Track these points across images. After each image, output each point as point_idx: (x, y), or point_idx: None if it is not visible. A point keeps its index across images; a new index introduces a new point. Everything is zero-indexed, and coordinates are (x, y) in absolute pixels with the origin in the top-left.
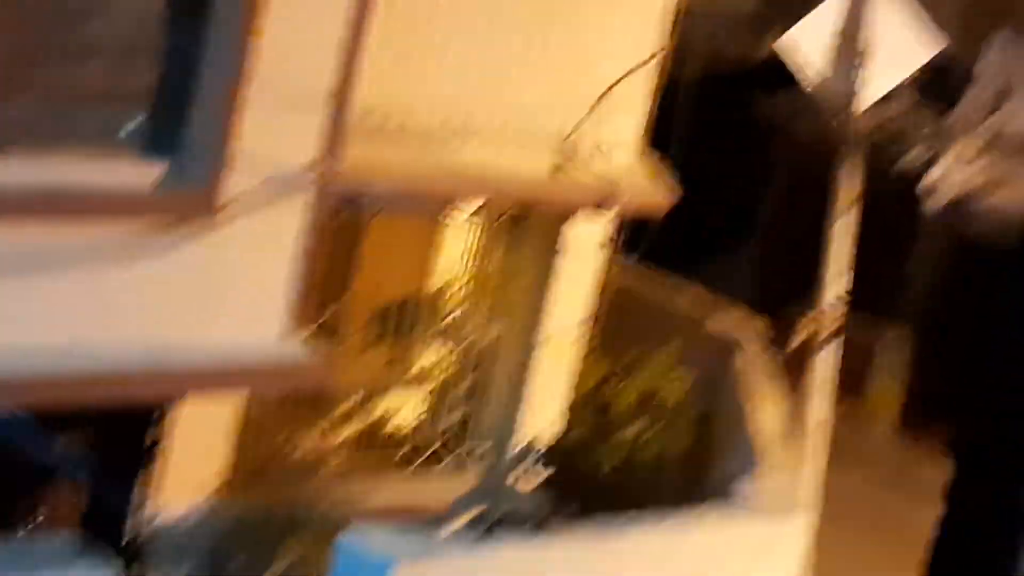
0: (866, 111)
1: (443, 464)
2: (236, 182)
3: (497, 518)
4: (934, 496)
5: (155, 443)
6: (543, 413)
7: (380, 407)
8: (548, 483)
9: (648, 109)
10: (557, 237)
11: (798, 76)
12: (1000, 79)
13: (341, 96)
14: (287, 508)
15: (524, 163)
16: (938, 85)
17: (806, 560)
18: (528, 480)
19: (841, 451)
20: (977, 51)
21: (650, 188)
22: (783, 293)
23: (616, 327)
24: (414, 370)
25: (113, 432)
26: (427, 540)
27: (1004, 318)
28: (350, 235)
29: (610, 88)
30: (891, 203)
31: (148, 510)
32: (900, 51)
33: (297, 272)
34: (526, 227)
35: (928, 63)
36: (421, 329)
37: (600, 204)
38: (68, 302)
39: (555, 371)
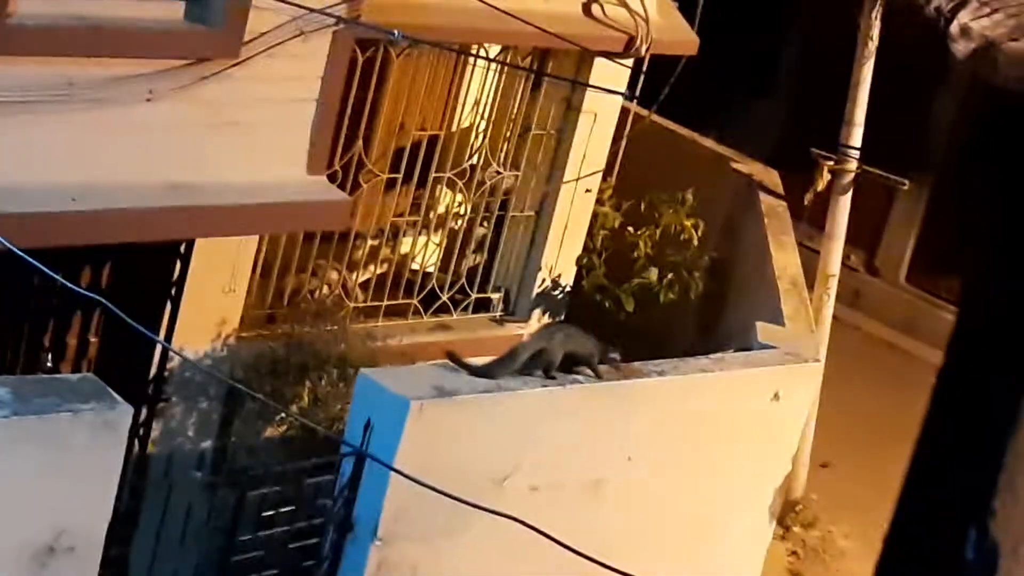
0: None
1: (462, 307)
2: (258, 21)
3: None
4: (941, 345)
5: (176, 281)
6: (562, 257)
7: (401, 249)
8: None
9: None
10: (578, 83)
11: None
12: None
13: None
14: (307, 347)
15: (548, 5)
16: None
17: (815, 405)
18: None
19: (853, 300)
20: None
21: (671, 36)
22: (801, 144)
23: (636, 171)
24: (434, 213)
25: (134, 270)
26: (447, 379)
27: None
28: (372, 76)
29: None
30: (914, 52)
31: (167, 349)
32: None
33: (319, 112)
34: (548, 72)
35: None
36: (442, 172)
37: (622, 50)
38: (89, 140)
39: (574, 214)
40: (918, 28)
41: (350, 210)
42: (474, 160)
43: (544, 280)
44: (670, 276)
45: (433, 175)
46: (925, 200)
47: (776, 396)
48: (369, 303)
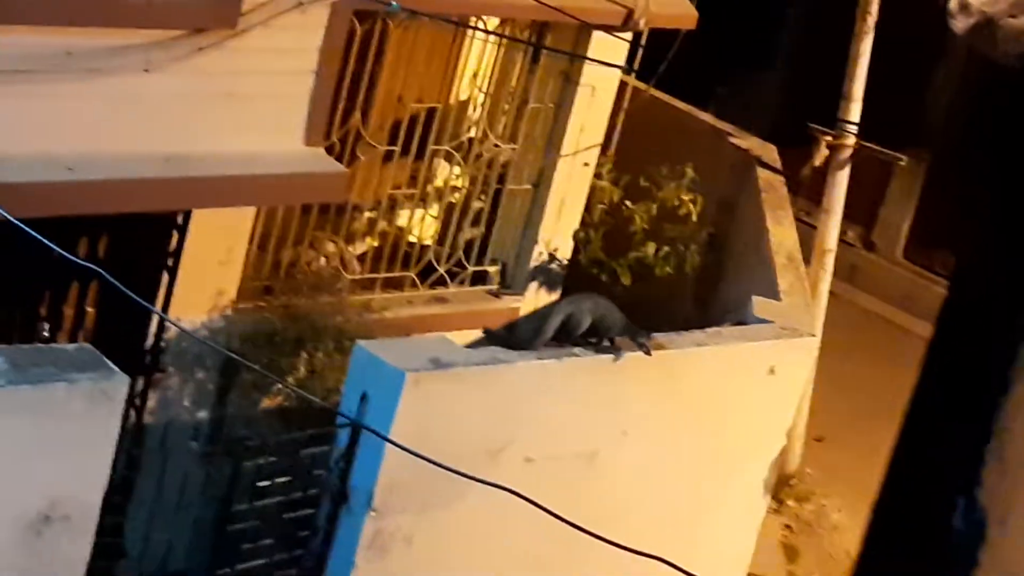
0: None
1: (458, 280)
2: None
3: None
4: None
5: (173, 252)
6: (559, 231)
7: (398, 221)
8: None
9: None
10: (576, 57)
11: None
12: None
13: None
14: (304, 319)
15: None
16: None
17: (810, 379)
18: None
19: (849, 275)
20: None
21: (670, 9)
22: (800, 119)
23: (634, 146)
24: (432, 186)
25: (131, 241)
26: (443, 351)
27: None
28: (371, 48)
29: None
30: (913, 27)
31: (164, 319)
32: None
33: (317, 84)
34: (547, 45)
35: None
36: (440, 145)
37: (621, 23)
38: (87, 110)
39: (572, 188)
40: (917, 3)
41: (347, 182)
42: (472, 133)
43: (541, 253)
44: (667, 250)
45: (431, 148)
46: (923, 176)
47: (772, 370)
48: (366, 275)
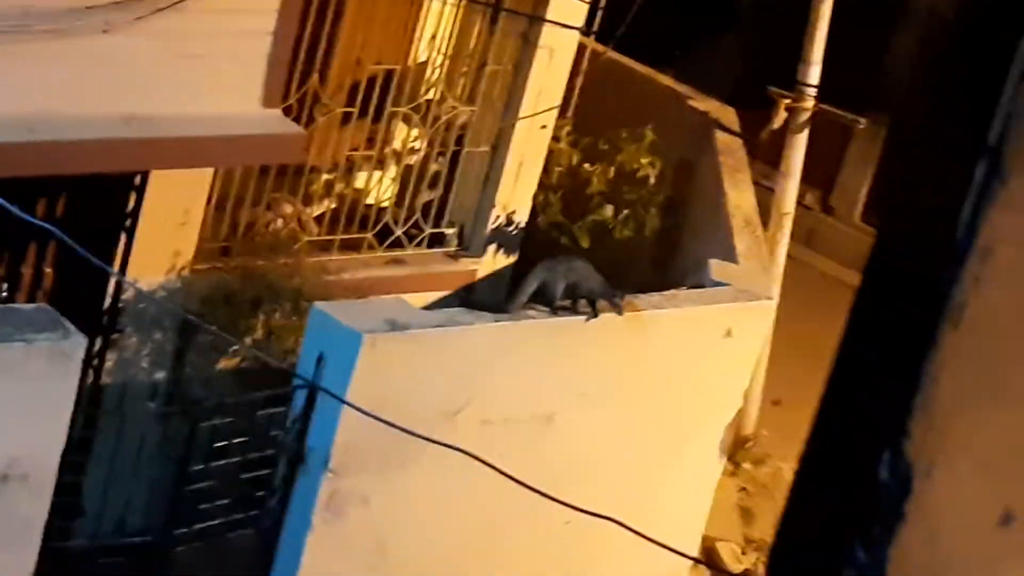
0: None
1: (416, 242)
2: None
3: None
4: None
5: (131, 213)
6: (517, 193)
7: (355, 183)
8: (523, 260)
9: None
10: (535, 19)
11: None
12: None
13: None
14: (261, 280)
15: None
16: None
17: (767, 342)
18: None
19: (807, 239)
20: None
21: None
22: (759, 82)
23: (593, 108)
24: (390, 148)
25: (88, 203)
26: (400, 313)
27: None
28: (329, 9)
29: None
30: None
31: (122, 280)
32: None
33: (275, 45)
34: (505, 7)
35: None
36: (398, 107)
37: None
38: (46, 71)
39: (530, 150)
40: None
41: (305, 144)
42: (430, 95)
43: (499, 216)
44: (626, 213)
45: (389, 110)
46: (882, 139)
47: (728, 333)
48: (323, 237)
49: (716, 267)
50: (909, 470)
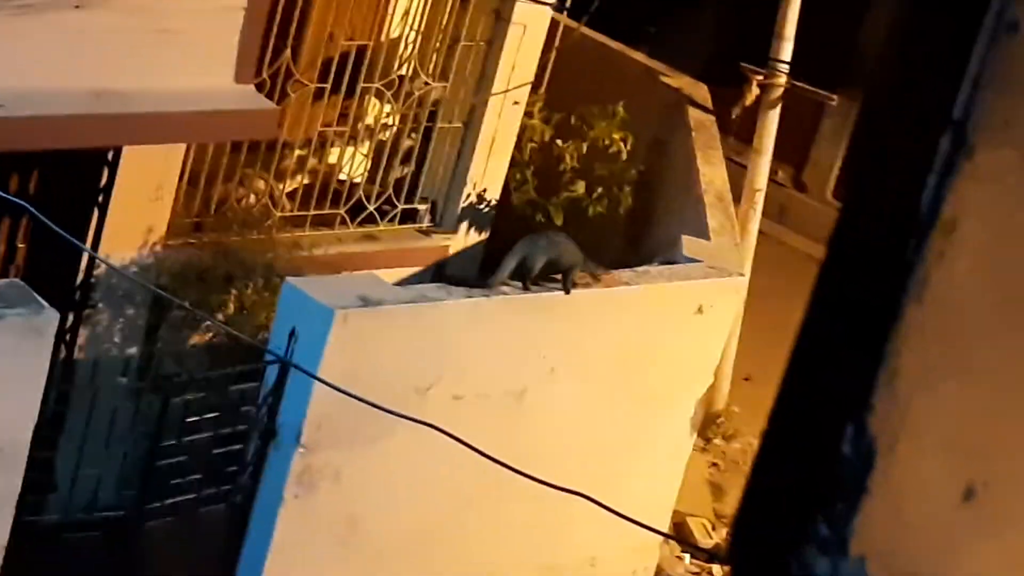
0: None
1: (388, 218)
2: None
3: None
4: None
5: (104, 189)
6: (490, 169)
7: (328, 159)
8: (496, 237)
9: None
10: None
11: None
12: None
13: None
14: (234, 256)
15: None
16: None
17: (739, 319)
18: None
19: (779, 215)
20: None
21: None
22: (731, 59)
23: (565, 85)
24: (362, 123)
25: (62, 178)
26: (372, 289)
27: None
28: None
29: None
30: None
31: (94, 256)
32: None
33: (247, 20)
34: None
35: None
36: (370, 83)
37: None
38: (18, 46)
39: (502, 126)
40: None
41: (278, 119)
42: (403, 71)
43: (471, 192)
44: (599, 190)
45: (361, 85)
46: (854, 116)
47: (700, 309)
48: (296, 213)
49: (688, 243)
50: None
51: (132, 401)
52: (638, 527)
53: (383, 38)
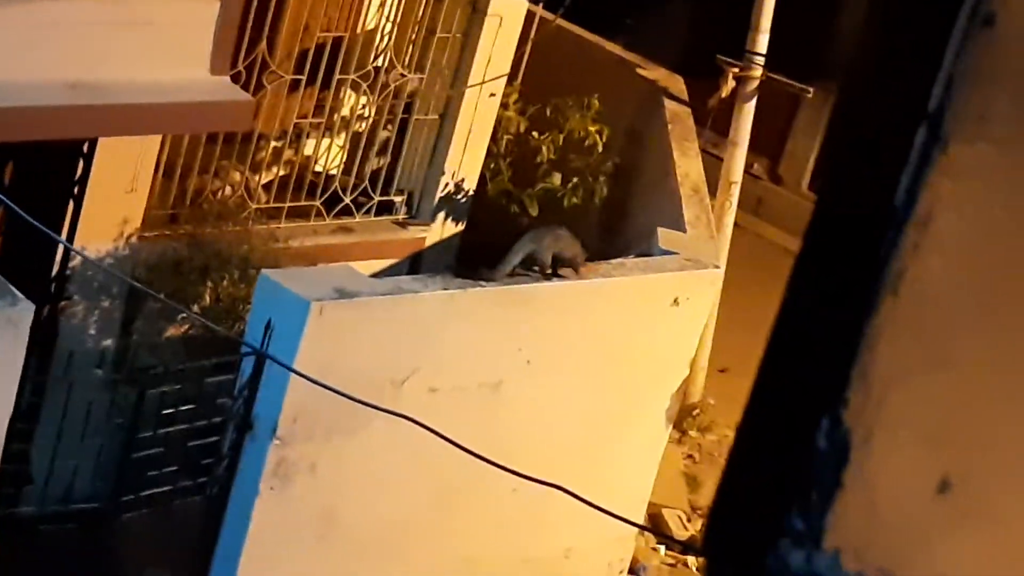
0: None
1: (364, 210)
2: None
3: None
4: None
5: (79, 181)
6: (466, 161)
7: (304, 150)
8: (472, 228)
9: None
10: None
11: None
12: None
13: None
14: (210, 248)
15: None
16: None
17: (714, 311)
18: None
19: (755, 208)
20: None
21: None
22: (707, 51)
23: (541, 76)
24: (338, 115)
25: (36, 170)
26: (348, 281)
27: None
28: None
29: None
30: None
31: (70, 248)
32: None
33: (223, 12)
34: None
35: None
36: (346, 74)
37: None
38: None
39: (478, 118)
40: None
41: (253, 111)
42: (379, 62)
43: (447, 184)
44: (575, 181)
45: (337, 77)
46: (830, 108)
47: (676, 301)
48: (272, 204)
49: (664, 235)
50: (847, 438)
51: (108, 393)
52: (614, 519)
53: (359, 29)
